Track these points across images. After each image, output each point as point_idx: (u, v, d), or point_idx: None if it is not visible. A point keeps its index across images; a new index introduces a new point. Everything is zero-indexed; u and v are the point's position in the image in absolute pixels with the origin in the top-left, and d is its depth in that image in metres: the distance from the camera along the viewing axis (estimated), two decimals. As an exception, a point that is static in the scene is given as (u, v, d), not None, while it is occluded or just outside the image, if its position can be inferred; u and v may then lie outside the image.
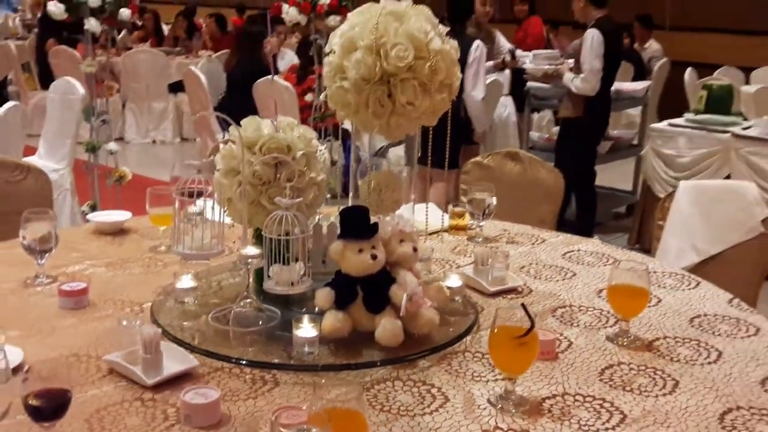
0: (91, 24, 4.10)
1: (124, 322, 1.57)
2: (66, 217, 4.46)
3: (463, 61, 4.75)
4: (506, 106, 6.69)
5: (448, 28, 1.80)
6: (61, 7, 4.03)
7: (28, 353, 1.52)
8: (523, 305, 1.52)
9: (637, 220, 5.39)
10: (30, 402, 1.20)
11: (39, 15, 9.48)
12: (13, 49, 8.85)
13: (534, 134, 6.25)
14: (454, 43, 1.78)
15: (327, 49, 1.79)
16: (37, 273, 2.01)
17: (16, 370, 1.32)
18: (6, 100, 5.78)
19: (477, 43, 4.87)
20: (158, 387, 1.48)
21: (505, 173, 3.20)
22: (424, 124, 1.81)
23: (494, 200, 2.47)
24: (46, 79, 8.20)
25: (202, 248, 1.79)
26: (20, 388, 1.21)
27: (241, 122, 1.80)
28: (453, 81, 1.77)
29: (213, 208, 1.83)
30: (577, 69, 5.03)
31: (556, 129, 6.14)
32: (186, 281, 1.86)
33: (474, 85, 4.85)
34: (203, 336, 1.71)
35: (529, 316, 1.47)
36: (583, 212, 5.29)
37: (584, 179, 5.24)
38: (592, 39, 4.91)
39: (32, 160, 3.92)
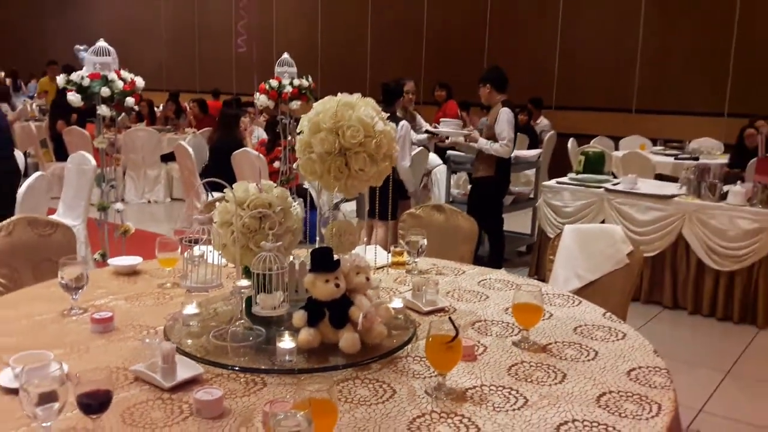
0: (103, 110, 3.99)
1: (147, 340, 1.56)
2: (87, 263, 4.36)
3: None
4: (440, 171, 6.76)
5: (388, 114, 1.89)
6: (79, 96, 3.97)
7: (71, 367, 1.50)
8: (450, 319, 1.55)
9: (535, 256, 5.38)
10: (82, 400, 1.22)
11: (52, 100, 9.33)
12: (33, 129, 8.60)
13: (454, 190, 6.27)
14: (393, 125, 1.82)
15: (298, 130, 1.80)
16: (72, 306, 1.98)
17: (66, 379, 1.33)
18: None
19: (402, 122, 4.93)
20: (174, 389, 1.49)
21: (433, 221, 3.17)
22: (372, 185, 1.83)
23: (425, 242, 2.46)
24: (58, 153, 8.07)
25: (203, 282, 1.81)
26: (73, 389, 1.22)
27: (233, 185, 1.79)
28: (392, 153, 1.80)
29: (211, 251, 1.83)
30: (490, 138, 4.96)
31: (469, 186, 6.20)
32: (191, 308, 1.85)
33: (402, 155, 4.87)
34: (206, 350, 1.70)
35: (455, 327, 1.51)
36: (494, 250, 5.26)
37: (495, 225, 5.22)
38: (507, 114, 4.91)
39: (55, 217, 3.82)
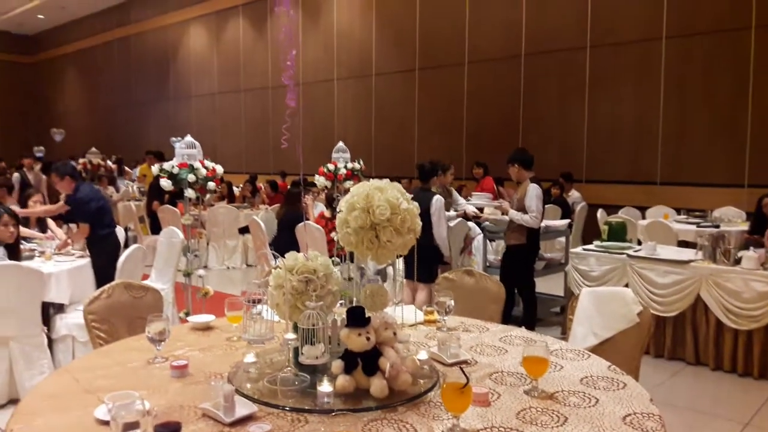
0: (189, 192, 4.26)
1: (213, 383, 1.69)
2: (169, 320, 4.55)
3: (428, 209, 4.99)
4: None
5: (411, 195, 2.02)
6: (170, 182, 4.29)
7: (152, 404, 1.59)
8: (461, 369, 1.63)
9: (566, 317, 5.25)
10: (158, 429, 1.35)
11: (149, 184, 9.89)
12: (133, 207, 9.09)
13: (491, 256, 6.28)
14: (416, 204, 1.94)
15: (337, 210, 1.99)
16: (156, 355, 2.11)
17: (147, 413, 1.44)
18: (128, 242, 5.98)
19: (436, 197, 5.04)
20: (233, 424, 1.59)
21: (464, 284, 3.19)
22: (399, 254, 1.92)
23: (452, 302, 2.50)
24: (154, 227, 8.48)
25: (260, 336, 1.95)
26: (151, 421, 1.36)
27: (285, 255, 1.93)
28: (416, 227, 1.91)
29: (267, 310, 1.97)
30: (520, 210, 4.97)
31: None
32: (250, 357, 1.94)
33: (438, 224, 4.99)
34: (261, 392, 1.78)
35: (465, 376, 1.58)
36: (527, 311, 5.19)
37: (527, 288, 5.18)
38: (535, 190, 4.95)
39: (147, 282, 4.04)
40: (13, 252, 3.86)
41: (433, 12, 10.72)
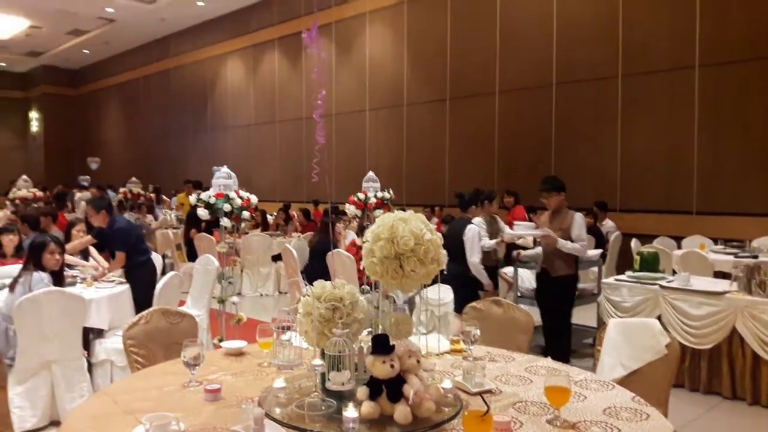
0: (225, 221, 4.46)
1: (243, 406, 1.75)
2: (203, 345, 4.65)
3: (461, 237, 5.01)
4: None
5: (434, 225, 2.07)
6: (206, 211, 4.46)
7: (186, 426, 1.72)
8: (482, 397, 1.67)
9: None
10: None
11: (187, 212, 10.15)
12: (171, 235, 9.30)
13: (522, 286, 6.26)
14: (439, 235, 1.99)
15: (363, 240, 2.06)
16: (191, 379, 2.18)
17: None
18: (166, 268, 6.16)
19: (470, 225, 5.09)
20: None
21: (492, 314, 3.18)
22: (423, 283, 1.97)
23: (478, 332, 2.53)
24: (190, 255, 8.63)
25: (289, 361, 2.03)
26: None
27: (313, 284, 1.99)
28: (439, 257, 1.96)
29: (296, 336, 2.04)
30: (567, 239, 4.89)
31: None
32: (280, 382, 2.00)
33: (471, 252, 5.04)
34: (289, 416, 1.84)
35: (486, 404, 1.62)
36: (563, 342, 5.05)
37: (566, 318, 5.08)
38: (581, 219, 4.92)
39: (183, 309, 4.08)
40: (58, 278, 4.04)
41: (464, 43, 10.89)
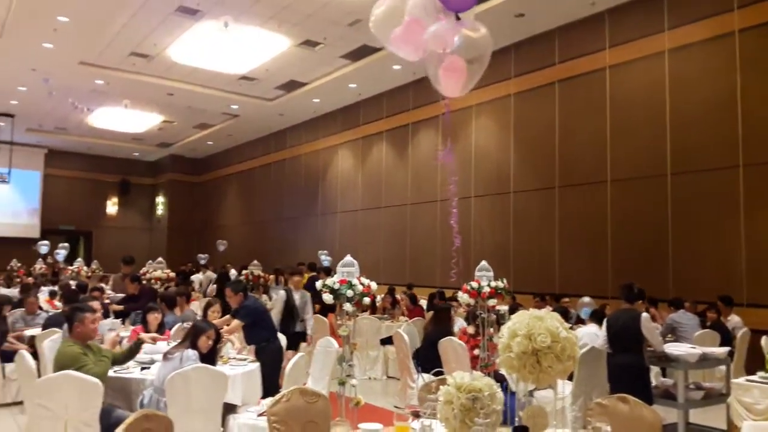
0: (347, 306, 4.76)
1: None
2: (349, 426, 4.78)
3: (635, 327, 5.08)
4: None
5: (570, 325, 2.21)
6: (331, 296, 4.78)
7: None
8: None
9: None
10: None
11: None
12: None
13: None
14: (574, 333, 2.18)
15: (497, 337, 2.24)
16: None
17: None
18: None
19: (645, 314, 5.23)
20: None
21: (618, 411, 3.11)
22: (559, 378, 2.17)
23: (609, 428, 2.45)
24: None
25: None
26: None
27: (453, 374, 2.24)
28: (575, 354, 2.10)
29: (438, 423, 2.19)
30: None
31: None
32: None
33: (652, 338, 5.20)
34: None
35: None
36: None
37: None
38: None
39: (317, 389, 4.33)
40: (207, 359, 4.46)
41: (573, 131, 11.02)
